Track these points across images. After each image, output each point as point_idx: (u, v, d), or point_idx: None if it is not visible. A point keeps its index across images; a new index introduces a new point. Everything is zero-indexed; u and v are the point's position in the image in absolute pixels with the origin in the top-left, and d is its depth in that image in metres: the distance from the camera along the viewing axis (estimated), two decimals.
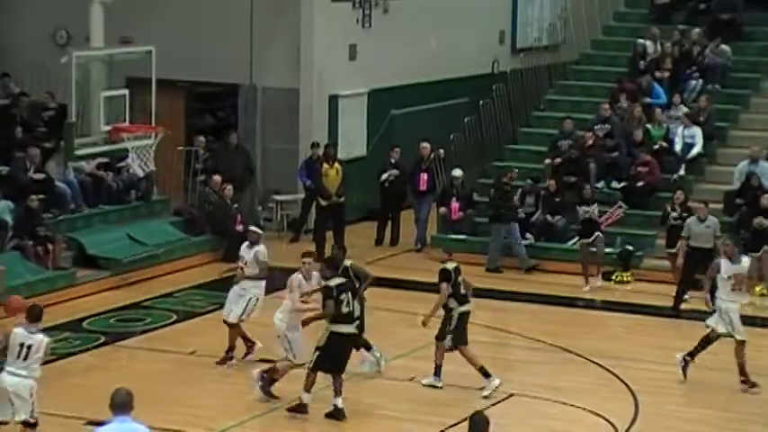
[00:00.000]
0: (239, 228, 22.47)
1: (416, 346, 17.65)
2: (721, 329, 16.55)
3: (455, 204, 24.79)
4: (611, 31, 29.53)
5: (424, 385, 16.41)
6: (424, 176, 25.30)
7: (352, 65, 26.72)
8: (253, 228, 18.11)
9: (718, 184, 24.51)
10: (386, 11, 27.34)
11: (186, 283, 21.72)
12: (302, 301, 15.68)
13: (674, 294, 20.78)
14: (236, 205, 23.92)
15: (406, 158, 25.50)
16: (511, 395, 16.16)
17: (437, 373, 16.44)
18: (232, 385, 16.53)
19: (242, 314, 17.13)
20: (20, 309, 14.81)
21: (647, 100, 26.29)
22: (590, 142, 25.25)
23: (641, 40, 27.49)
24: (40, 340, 13.40)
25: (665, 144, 25.19)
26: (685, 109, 25.84)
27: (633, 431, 15.06)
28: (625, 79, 27.03)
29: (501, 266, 23.43)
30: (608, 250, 22.96)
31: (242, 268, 17.27)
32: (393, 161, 25.51)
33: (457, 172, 24.93)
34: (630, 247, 23.45)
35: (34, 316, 13.57)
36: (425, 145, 25.47)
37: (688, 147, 24.99)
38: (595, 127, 25.59)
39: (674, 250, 21.69)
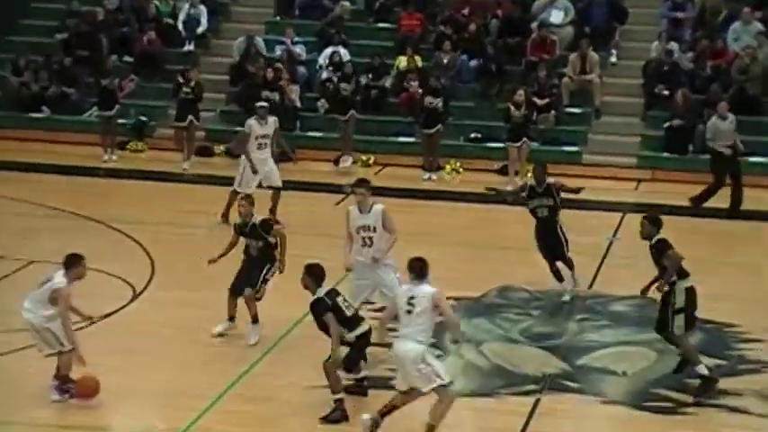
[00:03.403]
0: None
1: None
2: None
3: None
4: None
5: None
6: None
7: None
8: None
9: (222, 57, 26.07)
10: None
11: None
12: None
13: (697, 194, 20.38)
14: None
15: None
16: (30, 262, 16.15)
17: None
18: None
19: None
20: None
21: None
22: (100, 17, 25.96)
23: None
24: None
25: (171, 21, 26.29)
26: None
27: (150, 287, 15.93)
28: None
29: None
30: (122, 121, 23.98)
31: None
32: None
33: None
34: (144, 118, 24.68)
35: None
36: None
37: (195, 22, 26.27)
38: (105, 2, 26.34)
39: (183, 124, 22.45)
